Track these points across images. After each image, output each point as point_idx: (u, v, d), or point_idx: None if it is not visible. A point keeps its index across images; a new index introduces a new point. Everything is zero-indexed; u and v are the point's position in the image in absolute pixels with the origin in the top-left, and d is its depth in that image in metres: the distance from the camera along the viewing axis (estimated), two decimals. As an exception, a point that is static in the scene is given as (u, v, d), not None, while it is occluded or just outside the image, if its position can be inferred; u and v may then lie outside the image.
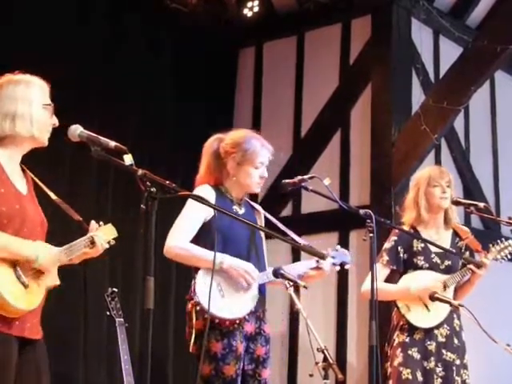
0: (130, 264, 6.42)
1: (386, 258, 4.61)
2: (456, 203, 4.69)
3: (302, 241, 4.00)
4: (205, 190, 3.94)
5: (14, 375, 2.96)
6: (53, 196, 3.30)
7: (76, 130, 3.03)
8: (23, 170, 3.24)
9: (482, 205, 4.69)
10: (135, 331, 6.15)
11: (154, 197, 2.70)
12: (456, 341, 4.54)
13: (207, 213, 3.80)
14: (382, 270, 4.58)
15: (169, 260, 6.39)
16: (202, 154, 6.94)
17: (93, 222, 3.27)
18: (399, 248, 4.62)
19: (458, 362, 4.50)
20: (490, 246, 4.65)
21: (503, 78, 8.06)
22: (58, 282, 3.12)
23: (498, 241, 4.68)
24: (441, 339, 4.51)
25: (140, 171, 2.74)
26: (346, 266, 4.09)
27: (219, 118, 7.50)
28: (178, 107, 7.11)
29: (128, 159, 2.81)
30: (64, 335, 5.83)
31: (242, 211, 4.01)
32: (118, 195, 6.45)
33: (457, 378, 4.47)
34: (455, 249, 4.64)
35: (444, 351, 4.49)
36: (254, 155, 3.95)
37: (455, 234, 4.73)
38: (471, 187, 7.53)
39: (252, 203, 4.15)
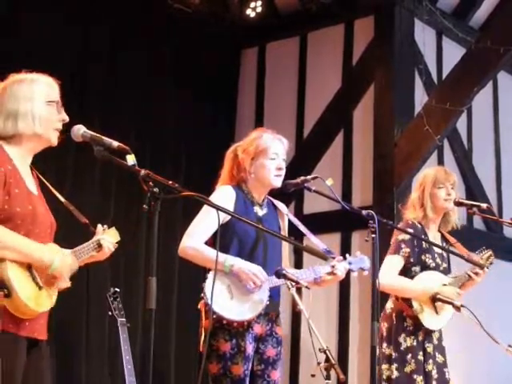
0: (133, 264, 6.43)
1: (407, 249, 4.52)
2: (458, 204, 4.68)
3: (320, 243, 4.01)
4: (225, 191, 3.94)
5: (20, 376, 2.94)
6: (61, 198, 3.29)
7: (79, 130, 3.02)
8: (32, 170, 3.22)
9: (484, 206, 4.68)
10: (137, 331, 6.16)
11: (157, 197, 2.69)
12: (442, 343, 4.56)
13: (224, 215, 3.71)
14: (400, 262, 4.51)
15: (171, 260, 6.46)
16: (203, 154, 7.03)
17: (99, 226, 3.26)
18: (414, 241, 4.55)
19: (444, 362, 4.51)
20: (476, 254, 4.64)
21: (506, 79, 8.06)
22: (69, 285, 3.11)
23: (482, 249, 4.67)
24: (435, 342, 4.51)
25: (143, 171, 2.74)
26: (365, 273, 4.08)
27: (221, 118, 7.52)
28: (179, 108, 7.11)
29: (131, 159, 2.80)
30: (66, 335, 5.84)
31: (263, 212, 3.99)
32: (120, 195, 6.46)
33: (447, 377, 4.49)
34: (455, 254, 4.62)
35: (437, 353, 4.50)
36: (266, 146, 3.94)
37: (443, 238, 4.72)
38: (474, 188, 7.52)
39: (275, 203, 4.13)
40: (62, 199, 3.29)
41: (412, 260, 4.53)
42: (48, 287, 3.00)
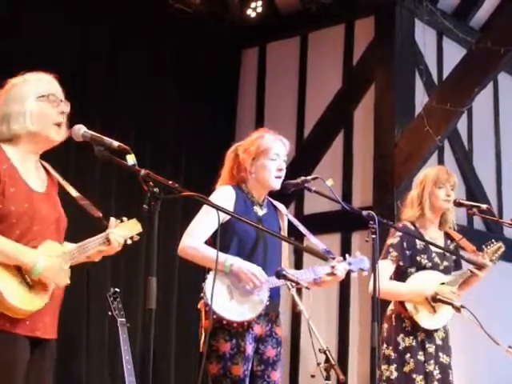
0: (133, 264, 6.42)
1: (394, 253, 4.53)
2: (458, 205, 4.67)
3: (320, 243, 4.01)
4: (225, 191, 3.94)
5: (21, 374, 2.93)
6: (73, 193, 3.26)
7: (80, 130, 3.02)
8: (46, 169, 3.21)
9: (484, 206, 4.68)
10: (137, 331, 6.16)
11: (157, 197, 2.69)
12: (448, 343, 4.55)
13: (224, 214, 3.66)
14: (390, 267, 4.51)
15: (171, 260, 6.45)
16: (203, 154, 7.02)
17: (112, 219, 3.22)
18: (404, 244, 4.56)
19: (449, 363, 4.50)
20: (484, 247, 4.63)
21: (506, 80, 8.06)
22: (68, 281, 3.08)
23: (491, 242, 4.67)
24: (438, 342, 4.49)
25: (143, 171, 2.74)
26: (364, 273, 4.07)
27: (221, 118, 7.52)
28: (180, 108, 7.11)
29: (131, 159, 2.80)
30: (66, 335, 5.82)
31: (262, 212, 3.99)
32: (120, 195, 6.45)
33: (450, 379, 4.48)
34: (452, 252, 4.62)
35: (441, 354, 4.48)
36: (268, 147, 3.94)
37: (447, 236, 4.71)
38: (474, 189, 7.52)
39: (275, 203, 4.13)
40: (74, 194, 3.26)
41: (402, 263, 4.54)
42: (40, 286, 2.98)
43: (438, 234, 4.67)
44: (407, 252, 4.55)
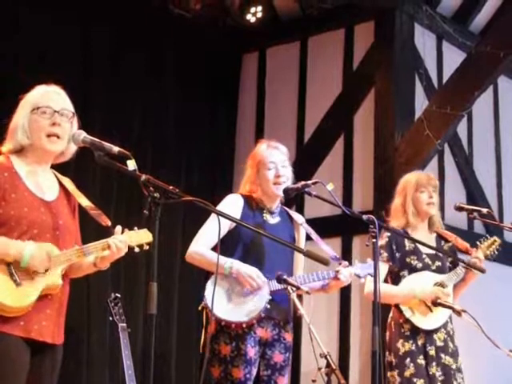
0: (133, 269, 6.42)
1: (385, 254, 4.56)
2: (459, 209, 4.69)
3: (330, 250, 4.03)
4: (231, 198, 4.05)
5: (17, 370, 2.96)
6: (83, 203, 3.30)
7: (80, 135, 3.05)
8: (59, 180, 3.28)
9: (485, 210, 4.69)
10: (138, 336, 6.15)
11: (157, 202, 2.70)
12: (451, 344, 4.54)
13: (230, 222, 3.79)
14: (383, 268, 4.51)
15: (172, 265, 6.44)
16: (203, 154, 7.04)
17: (118, 227, 3.24)
18: (393, 245, 4.59)
19: (454, 366, 4.50)
20: (478, 243, 4.64)
21: (506, 84, 8.06)
22: (59, 282, 3.08)
23: (484, 237, 4.68)
24: (439, 343, 4.50)
25: (143, 176, 2.75)
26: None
27: (222, 119, 7.53)
28: (180, 114, 7.12)
29: (131, 164, 2.81)
30: (67, 340, 5.81)
31: (274, 220, 4.06)
32: (121, 200, 6.45)
33: (454, 382, 4.47)
34: (442, 252, 4.63)
35: (442, 355, 4.48)
36: (263, 157, 4.03)
37: (439, 237, 4.72)
38: (474, 193, 7.52)
39: (291, 213, 4.20)
40: (84, 204, 3.30)
41: (391, 263, 4.55)
42: (28, 284, 2.99)
43: (428, 238, 4.67)
44: (397, 254, 4.58)
